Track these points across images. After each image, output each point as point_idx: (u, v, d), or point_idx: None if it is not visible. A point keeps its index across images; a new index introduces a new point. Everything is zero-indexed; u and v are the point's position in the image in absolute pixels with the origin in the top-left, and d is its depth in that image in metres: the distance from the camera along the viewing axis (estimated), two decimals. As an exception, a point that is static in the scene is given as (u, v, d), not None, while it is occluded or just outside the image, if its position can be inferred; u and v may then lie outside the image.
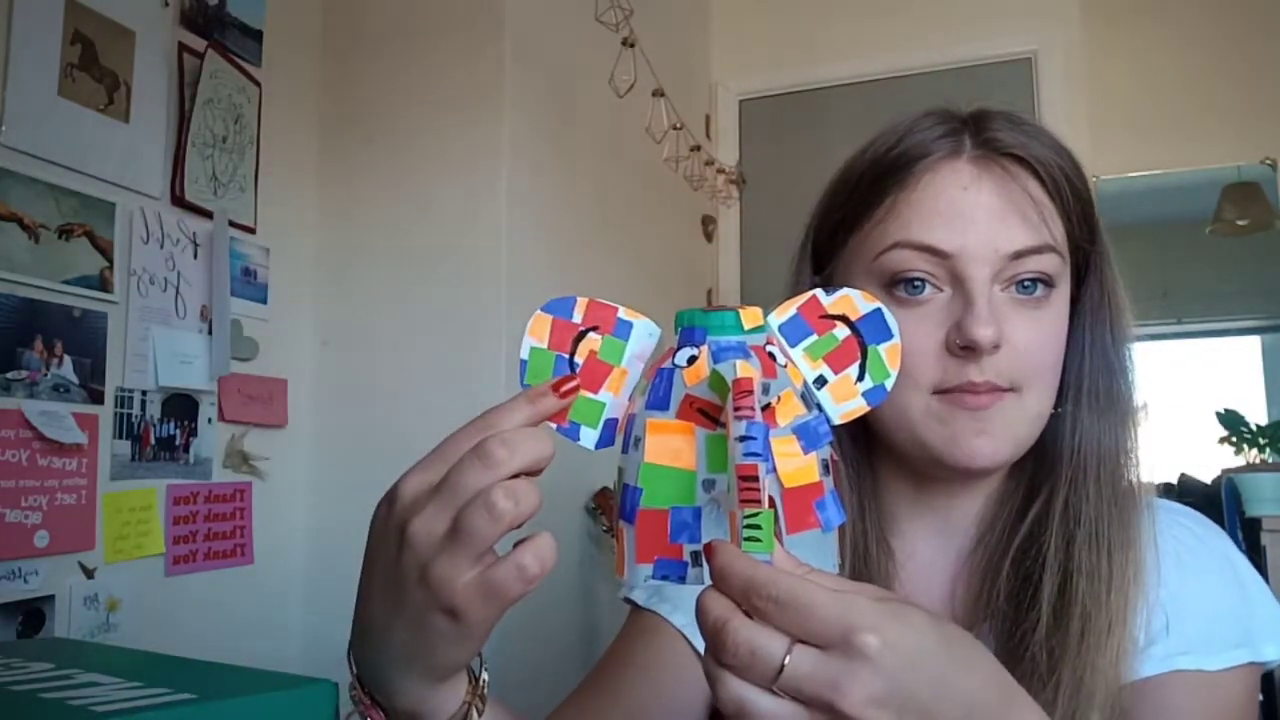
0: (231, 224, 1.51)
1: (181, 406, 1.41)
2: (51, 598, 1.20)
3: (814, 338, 0.59)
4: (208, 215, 1.47)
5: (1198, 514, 0.71)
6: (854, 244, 0.69)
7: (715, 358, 0.55)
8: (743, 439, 0.50)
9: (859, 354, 0.59)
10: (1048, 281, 0.65)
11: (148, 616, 1.32)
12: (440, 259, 1.63)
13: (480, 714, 0.54)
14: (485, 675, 0.56)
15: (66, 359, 1.24)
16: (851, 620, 0.40)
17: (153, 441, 1.36)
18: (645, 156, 2.05)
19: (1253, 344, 4.11)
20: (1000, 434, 0.64)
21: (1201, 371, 4.15)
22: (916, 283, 0.64)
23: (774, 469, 0.54)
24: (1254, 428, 2.65)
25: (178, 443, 1.40)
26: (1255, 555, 2.29)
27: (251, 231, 1.57)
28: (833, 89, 2.67)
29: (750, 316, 0.57)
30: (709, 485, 0.56)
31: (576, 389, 0.54)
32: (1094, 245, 0.69)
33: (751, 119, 2.76)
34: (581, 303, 0.62)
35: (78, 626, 1.23)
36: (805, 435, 0.56)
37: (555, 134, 1.79)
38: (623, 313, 0.61)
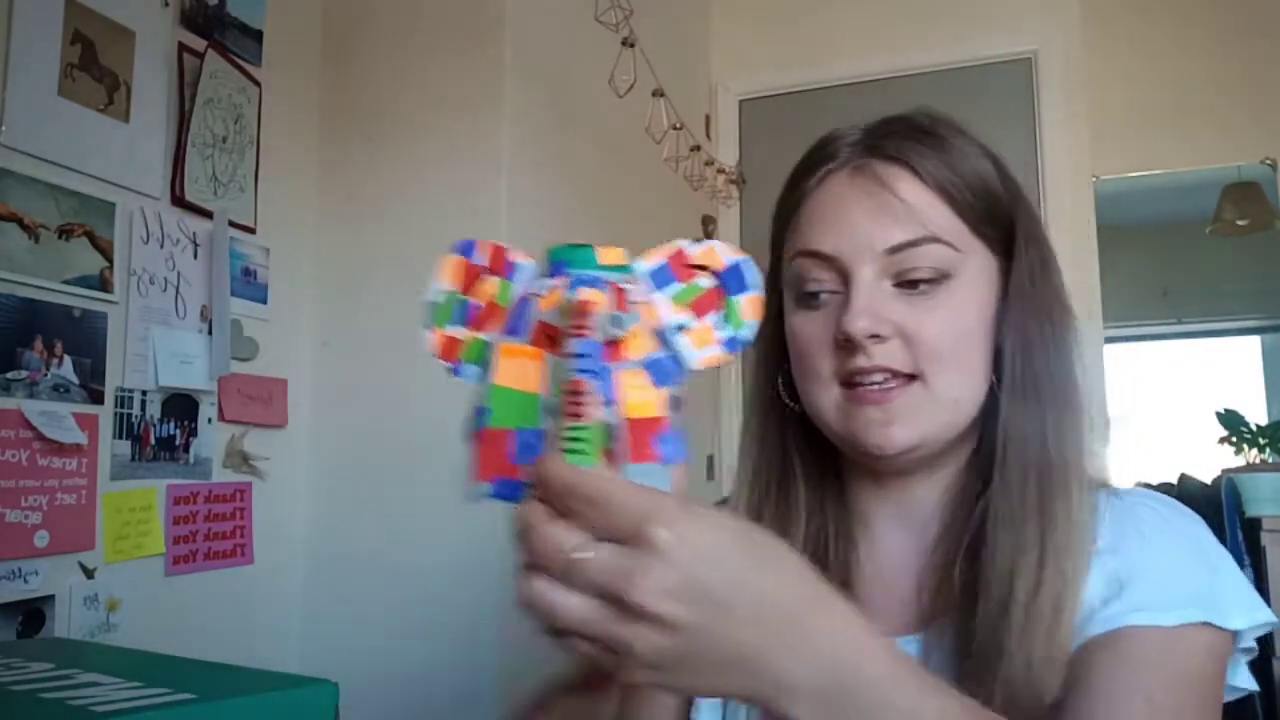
0: (231, 224, 1.51)
1: (181, 406, 1.41)
2: (51, 598, 1.20)
3: (679, 285, 0.60)
4: (208, 215, 1.47)
5: (1172, 500, 0.72)
6: (783, 261, 0.76)
7: (570, 287, 0.57)
8: (575, 355, 0.52)
9: (721, 303, 0.60)
10: (938, 277, 0.68)
11: (148, 616, 1.32)
12: (440, 258, 1.63)
13: None
14: None
15: (66, 359, 1.24)
16: (648, 514, 0.41)
17: (153, 441, 1.36)
18: (645, 156, 2.05)
19: (1253, 344, 4.12)
20: (907, 421, 0.67)
21: (1201, 371, 4.16)
22: (816, 293, 0.71)
23: (616, 399, 0.54)
24: (1254, 428, 2.65)
25: (178, 443, 1.40)
26: (1255, 555, 2.29)
27: (251, 231, 1.57)
28: (833, 89, 2.67)
29: (609, 254, 0.58)
30: (553, 409, 0.57)
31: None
32: (1014, 237, 0.72)
33: (751, 119, 2.76)
34: (483, 245, 0.64)
35: (78, 626, 1.23)
36: (655, 370, 0.57)
37: (555, 134, 1.79)
38: (512, 254, 0.62)
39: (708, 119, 2.71)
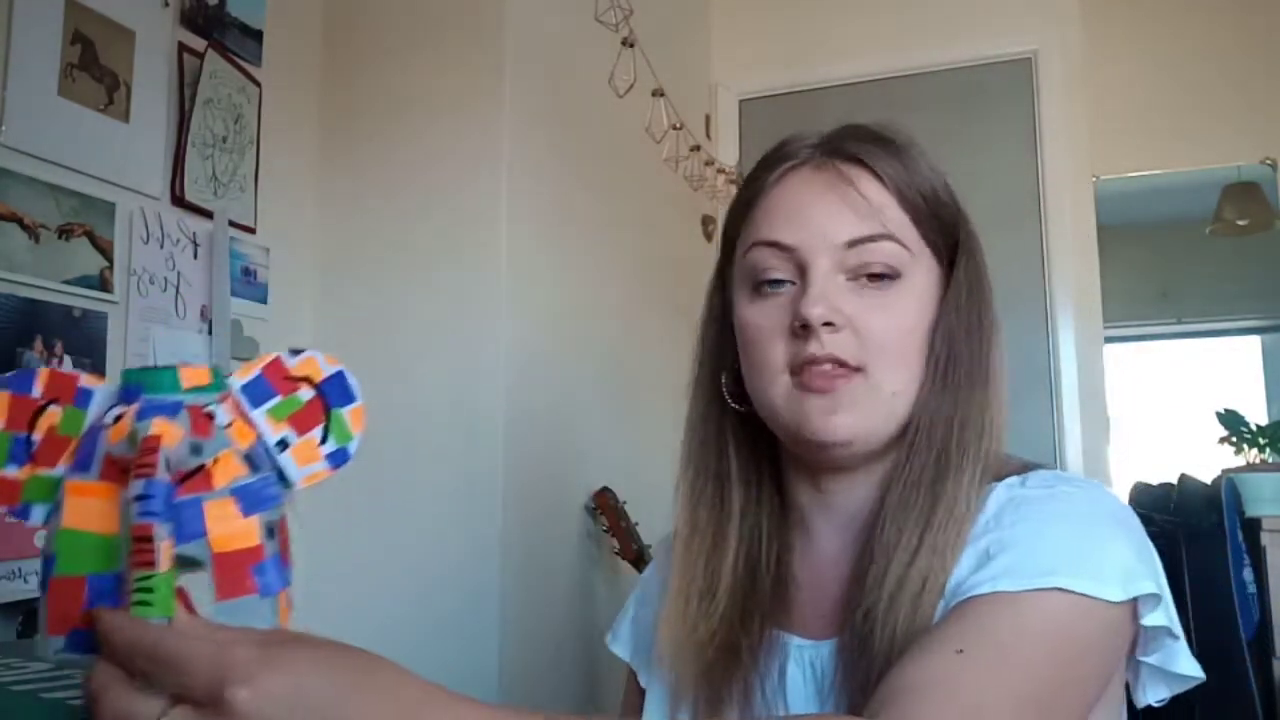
0: (231, 224, 1.51)
1: (181, 406, 1.41)
2: (51, 598, 1.20)
3: (278, 399, 0.57)
4: (208, 215, 1.47)
5: (1084, 479, 0.71)
6: (737, 254, 0.77)
7: (140, 415, 0.53)
8: (139, 498, 0.49)
9: (323, 416, 0.58)
10: (890, 274, 0.71)
11: (148, 616, 1.32)
12: (440, 259, 1.63)
13: None
14: None
15: (66, 359, 1.24)
16: (223, 674, 0.40)
17: (153, 441, 1.36)
18: (645, 156, 2.05)
19: (1253, 344, 4.12)
20: (851, 411, 0.69)
21: (1201, 371, 4.16)
22: (776, 281, 0.72)
23: (204, 532, 0.52)
24: (1254, 428, 2.65)
25: (178, 443, 1.40)
26: (1255, 555, 2.29)
27: (251, 231, 1.57)
28: (833, 89, 2.67)
29: (192, 375, 0.55)
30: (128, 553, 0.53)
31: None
32: (956, 247, 0.75)
33: (751, 119, 2.76)
34: (42, 375, 0.58)
35: (78, 626, 1.23)
36: (245, 497, 0.54)
37: (555, 134, 1.79)
38: (83, 380, 0.58)
39: (708, 119, 2.71)
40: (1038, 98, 2.47)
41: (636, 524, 1.81)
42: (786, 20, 2.74)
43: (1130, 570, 0.62)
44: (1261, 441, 2.62)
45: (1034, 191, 2.44)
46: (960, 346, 0.72)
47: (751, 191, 0.76)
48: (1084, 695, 0.62)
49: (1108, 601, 0.60)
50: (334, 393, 0.58)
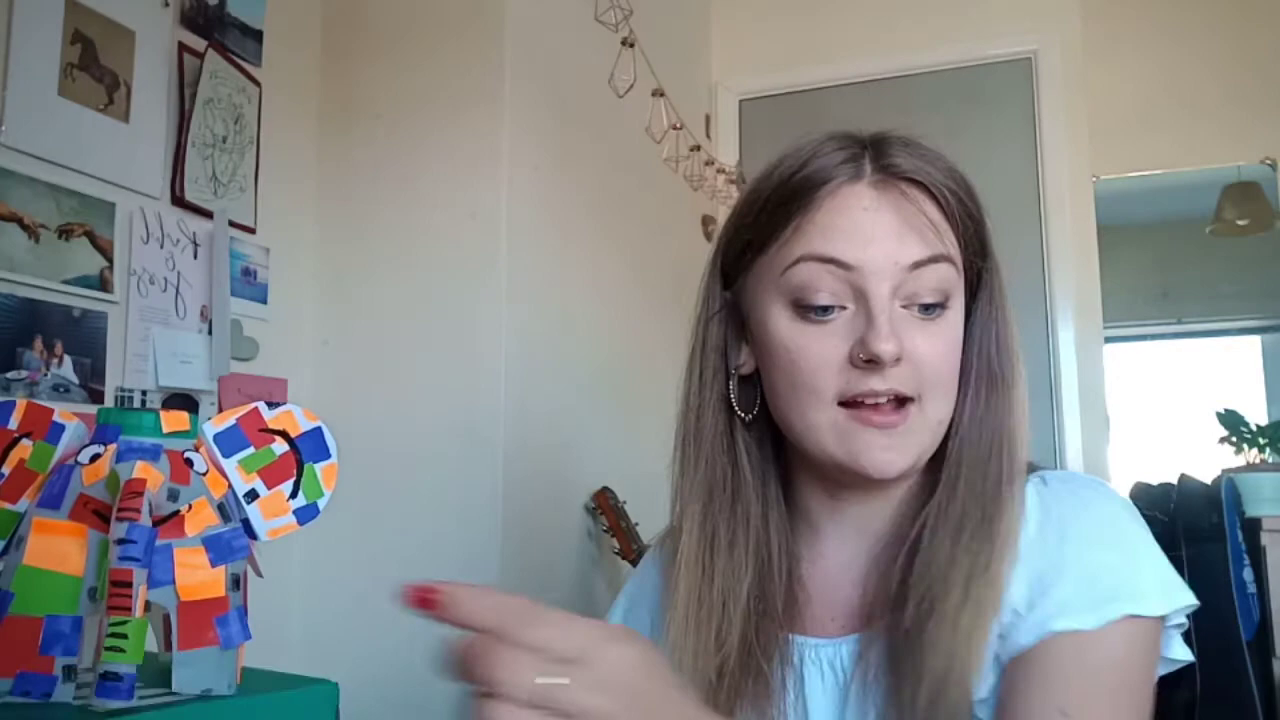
0: (231, 224, 1.51)
1: (182, 406, 1.41)
2: (51, 598, 1.20)
3: (250, 450, 0.58)
4: (208, 215, 1.47)
5: (1096, 481, 0.73)
6: (761, 264, 0.72)
7: (119, 457, 0.53)
8: (121, 541, 0.48)
9: (295, 471, 0.57)
10: (943, 301, 0.69)
11: (148, 616, 1.32)
12: (440, 259, 1.63)
13: None
14: None
15: (66, 359, 1.24)
16: (596, 633, 0.46)
17: (153, 441, 1.36)
18: (645, 156, 2.05)
19: (1253, 344, 4.11)
20: (905, 446, 0.68)
21: (1201, 371, 4.15)
22: (825, 307, 0.68)
23: (172, 580, 0.52)
24: (1254, 428, 2.65)
25: (178, 443, 1.40)
26: (1255, 555, 2.29)
27: (251, 231, 1.57)
28: (833, 89, 2.67)
29: (173, 420, 0.55)
30: (95, 593, 0.52)
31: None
32: (985, 261, 0.74)
33: (751, 119, 2.76)
34: (20, 406, 0.58)
35: (78, 626, 1.23)
36: (215, 548, 0.54)
37: (555, 134, 1.79)
38: (58, 416, 0.57)
39: (708, 119, 2.71)
40: (1038, 98, 2.47)
41: (636, 524, 1.81)
42: (786, 20, 2.74)
43: (1169, 581, 0.66)
44: (1261, 441, 2.62)
45: (1034, 191, 2.44)
46: (995, 363, 0.72)
47: (795, 200, 0.70)
48: (1150, 706, 0.65)
49: (1161, 617, 0.65)
50: (309, 448, 0.57)
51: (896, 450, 0.67)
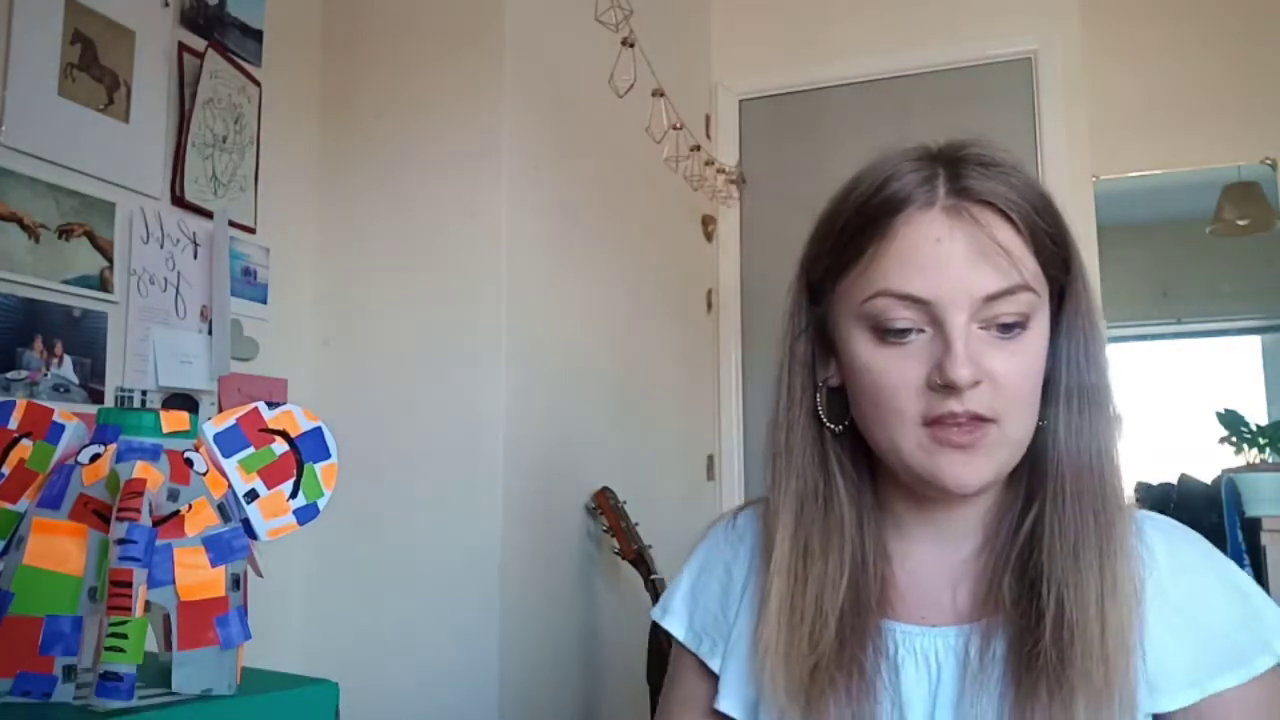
0: (231, 224, 1.51)
1: (182, 406, 1.41)
2: (51, 598, 1.20)
3: (250, 451, 0.57)
4: (208, 215, 1.47)
5: (1175, 523, 0.76)
6: (842, 288, 0.74)
7: (119, 457, 0.52)
8: (122, 542, 0.48)
9: (295, 471, 0.57)
10: (1023, 322, 0.69)
11: (148, 616, 1.32)
12: (440, 259, 1.63)
13: None
14: None
15: (66, 359, 1.24)
16: None
17: (153, 441, 1.36)
18: (645, 156, 2.05)
19: (1253, 344, 4.11)
20: (983, 464, 0.69)
21: (1201, 371, 4.15)
22: (903, 330, 0.70)
23: (172, 579, 0.51)
24: (1254, 428, 2.65)
25: (178, 443, 1.40)
26: (1255, 555, 2.29)
27: (251, 231, 1.57)
28: (833, 89, 2.67)
29: (173, 420, 0.55)
30: (95, 593, 0.52)
31: None
32: (1069, 273, 0.74)
33: (751, 119, 2.76)
34: (20, 406, 0.58)
35: (78, 626, 1.23)
36: (216, 547, 0.54)
37: (555, 134, 1.79)
38: (58, 416, 0.57)
39: (708, 119, 2.71)
40: (1038, 98, 2.47)
41: (636, 524, 1.81)
42: (786, 20, 2.74)
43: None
44: (1261, 441, 2.62)
45: (1034, 191, 2.43)
46: (1086, 376, 0.73)
47: (870, 229, 0.71)
48: None
49: None
50: (309, 448, 0.57)
51: (975, 467, 0.69)
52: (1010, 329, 0.69)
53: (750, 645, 0.78)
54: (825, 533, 0.76)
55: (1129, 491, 0.73)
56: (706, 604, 0.85)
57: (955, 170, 0.70)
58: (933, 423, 0.69)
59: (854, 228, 0.72)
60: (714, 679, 0.81)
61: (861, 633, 0.73)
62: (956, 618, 0.74)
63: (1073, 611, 0.67)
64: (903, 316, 0.69)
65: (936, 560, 0.77)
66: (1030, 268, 0.70)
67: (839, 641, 0.73)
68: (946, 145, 0.73)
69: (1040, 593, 0.69)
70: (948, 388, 0.67)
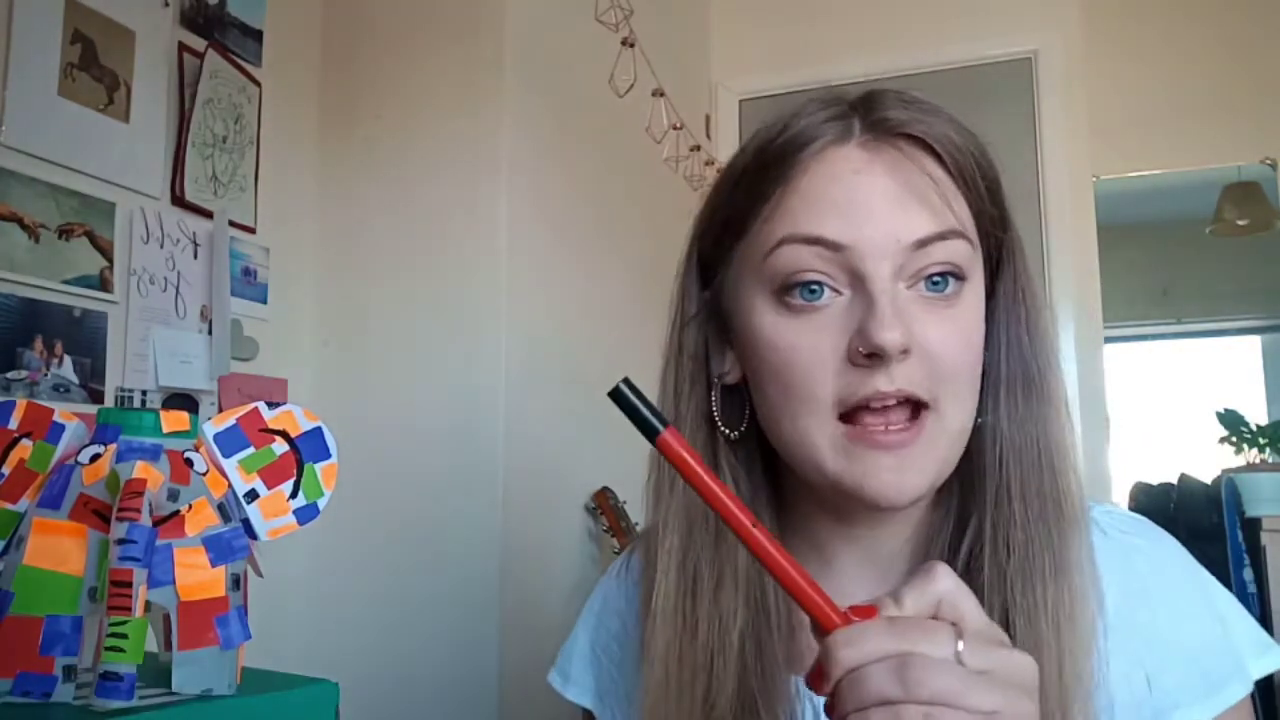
0: (231, 224, 1.51)
1: (182, 406, 1.41)
2: (51, 598, 1.20)
3: (250, 450, 0.57)
4: (208, 215, 1.47)
5: (1143, 522, 0.65)
6: (741, 250, 0.61)
7: (119, 457, 0.52)
8: (122, 542, 0.48)
9: (295, 471, 0.57)
10: (958, 274, 0.57)
11: (148, 616, 1.32)
12: (440, 259, 1.63)
13: None
14: None
15: (66, 359, 1.24)
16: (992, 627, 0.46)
17: (153, 441, 1.36)
18: (645, 156, 2.05)
19: (1253, 344, 4.12)
20: (917, 468, 0.56)
21: (1201, 371, 4.16)
22: (813, 286, 0.56)
23: (172, 579, 0.51)
24: (1254, 428, 2.65)
25: (178, 443, 1.40)
26: (1255, 555, 2.29)
27: (251, 231, 1.57)
28: (832, 89, 2.67)
29: (173, 420, 0.55)
30: (95, 593, 0.52)
31: None
32: (1006, 233, 0.62)
33: (751, 119, 2.76)
34: (20, 406, 0.58)
35: (78, 626, 1.23)
36: (216, 547, 0.54)
37: (555, 134, 1.79)
38: (58, 415, 0.57)
39: (708, 119, 2.71)
40: (1038, 98, 2.47)
41: (636, 524, 1.81)
42: (786, 20, 2.74)
43: (1261, 642, 0.62)
44: (1261, 441, 2.62)
45: (1034, 191, 2.44)
46: (1029, 355, 0.61)
47: (777, 170, 0.58)
48: None
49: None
50: (310, 448, 0.57)
51: (910, 471, 0.56)
52: (942, 285, 0.56)
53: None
54: (717, 563, 0.61)
55: (1085, 493, 0.61)
56: (607, 665, 0.72)
57: (871, 104, 0.59)
58: (853, 415, 0.56)
59: (754, 172, 0.59)
60: None
61: (769, 695, 0.59)
62: None
63: (1024, 643, 0.55)
64: (813, 270, 0.56)
65: (862, 591, 0.63)
66: (964, 213, 0.58)
67: (740, 703, 0.59)
68: (863, 89, 0.61)
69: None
70: (872, 357, 0.54)
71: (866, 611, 0.44)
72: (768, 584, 0.62)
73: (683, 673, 0.60)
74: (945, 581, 0.45)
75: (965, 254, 0.57)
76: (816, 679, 0.44)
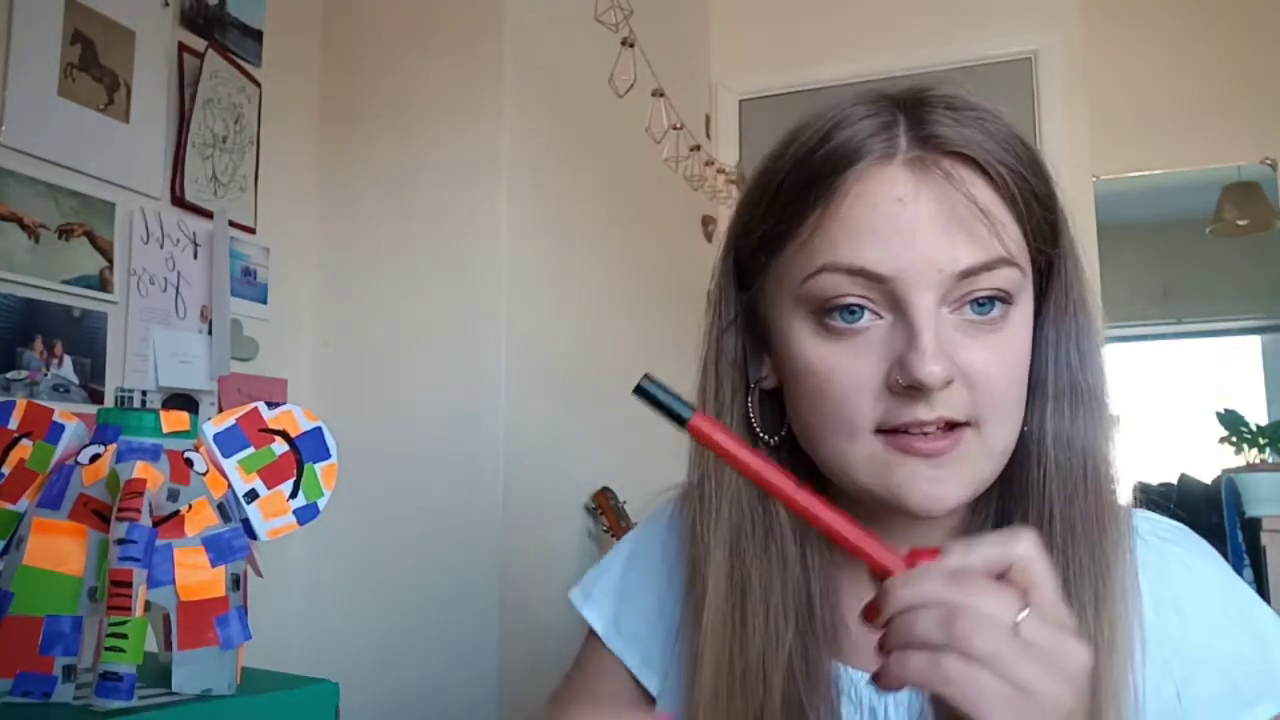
0: (231, 224, 1.51)
1: (182, 406, 1.41)
2: (51, 598, 1.20)
3: (250, 450, 0.57)
4: (208, 215, 1.47)
5: (1184, 531, 0.64)
6: (778, 266, 0.59)
7: (119, 457, 0.52)
8: (121, 542, 0.48)
9: (295, 471, 0.57)
10: (1005, 299, 0.55)
11: (148, 616, 1.32)
12: (440, 259, 1.63)
13: None
14: None
15: (66, 359, 1.24)
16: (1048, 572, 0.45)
17: (153, 441, 1.36)
18: (645, 156, 2.05)
19: (1253, 344, 4.11)
20: (958, 478, 0.55)
21: (1201, 371, 4.15)
22: (853, 309, 0.55)
23: (172, 579, 0.52)
24: (1254, 428, 2.65)
25: (178, 443, 1.40)
26: (1255, 555, 2.29)
27: (251, 231, 1.57)
28: (833, 89, 2.66)
29: (173, 420, 0.55)
30: (95, 593, 0.52)
31: None
32: (1057, 248, 0.60)
33: (751, 119, 2.76)
34: (20, 406, 0.58)
35: (78, 626, 1.22)
36: (216, 547, 0.54)
37: (555, 134, 1.79)
38: (58, 416, 0.57)
39: (708, 119, 2.71)
40: (1038, 98, 2.47)
41: (636, 524, 1.80)
42: (786, 20, 2.74)
43: None
44: (1261, 441, 2.62)
45: (1034, 191, 2.43)
46: (1079, 370, 0.59)
47: (814, 187, 0.56)
48: None
49: None
50: (310, 448, 0.57)
51: (947, 482, 0.54)
52: (988, 308, 0.55)
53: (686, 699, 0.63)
54: (766, 572, 0.61)
55: (1130, 509, 0.60)
56: (634, 617, 0.73)
57: (919, 115, 0.56)
58: (892, 430, 0.55)
59: (793, 188, 0.57)
60: (642, 690, 0.71)
61: (813, 686, 0.59)
62: None
63: None
64: (854, 296, 0.54)
65: None
66: (1014, 237, 0.56)
67: (785, 700, 0.59)
68: (909, 88, 0.58)
69: None
70: (913, 389, 0.53)
71: (929, 554, 0.44)
72: (814, 591, 0.61)
73: (733, 682, 0.60)
74: (1027, 546, 0.44)
75: (1014, 280, 0.56)
76: (871, 611, 0.44)
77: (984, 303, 0.55)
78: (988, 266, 0.54)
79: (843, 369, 0.55)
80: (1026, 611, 0.41)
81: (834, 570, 0.63)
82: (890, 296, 0.54)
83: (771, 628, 0.60)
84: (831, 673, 0.61)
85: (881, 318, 0.55)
